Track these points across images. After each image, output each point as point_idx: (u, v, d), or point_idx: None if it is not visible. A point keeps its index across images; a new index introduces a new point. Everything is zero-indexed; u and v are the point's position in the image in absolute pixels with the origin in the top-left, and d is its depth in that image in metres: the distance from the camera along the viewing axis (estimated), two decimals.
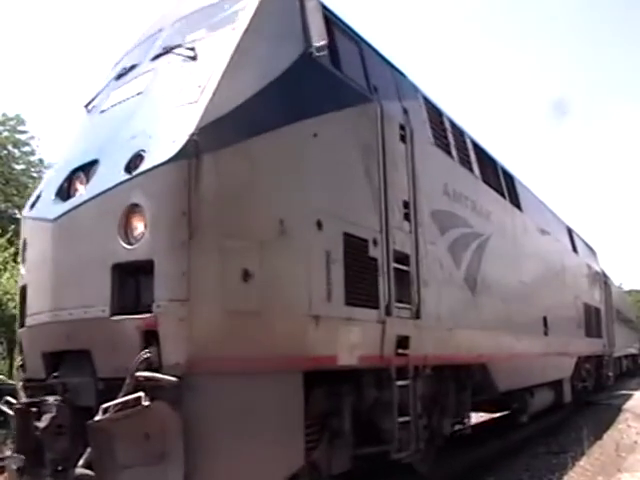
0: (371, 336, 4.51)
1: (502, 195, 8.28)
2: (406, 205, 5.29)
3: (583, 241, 15.47)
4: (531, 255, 9.23)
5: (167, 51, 4.25)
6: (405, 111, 5.55)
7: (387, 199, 4.91)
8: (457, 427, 6.78)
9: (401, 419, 4.84)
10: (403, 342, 4.95)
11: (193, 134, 3.51)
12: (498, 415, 11.06)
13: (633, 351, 25.57)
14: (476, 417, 11.64)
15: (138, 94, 4.26)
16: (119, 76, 4.78)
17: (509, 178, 8.98)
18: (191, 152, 3.46)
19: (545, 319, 9.73)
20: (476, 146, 7.59)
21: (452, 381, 6.28)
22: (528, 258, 9.03)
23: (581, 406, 13.53)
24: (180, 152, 3.46)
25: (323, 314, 3.93)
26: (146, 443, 3.09)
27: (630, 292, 45.31)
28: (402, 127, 5.43)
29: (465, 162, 7.02)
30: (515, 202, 8.86)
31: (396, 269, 4.98)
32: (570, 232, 13.65)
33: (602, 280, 16.70)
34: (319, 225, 4.02)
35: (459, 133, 7.10)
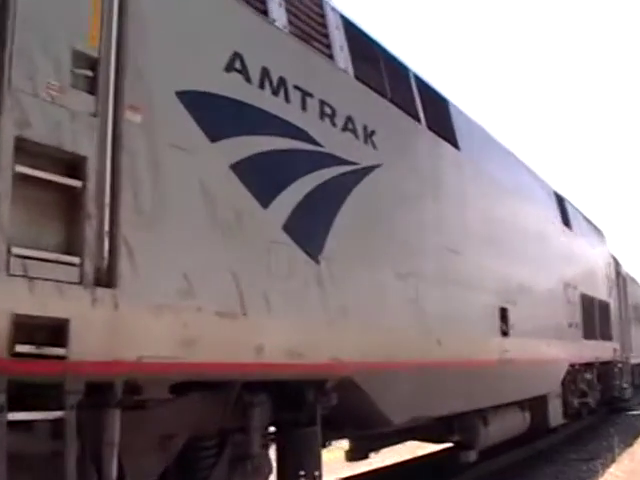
0: None
1: (413, 116, 5.83)
2: (91, 63, 2.89)
3: (583, 217, 12.87)
4: (475, 214, 6.75)
5: None
6: None
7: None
8: None
9: None
10: (55, 333, 2.56)
11: None
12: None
13: None
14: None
15: None
16: None
17: (436, 98, 6.52)
18: None
19: (504, 312, 7.25)
20: (351, 27, 5.17)
21: (261, 409, 3.85)
22: (467, 217, 6.57)
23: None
24: None
25: None
26: None
27: None
28: None
29: (313, 39, 4.60)
30: (444, 133, 6.38)
31: (30, 179, 2.58)
32: (561, 200, 11.10)
33: (613, 268, 14.07)
34: None
35: None
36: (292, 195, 4.01)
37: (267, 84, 3.98)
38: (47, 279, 2.55)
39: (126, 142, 2.96)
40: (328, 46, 4.77)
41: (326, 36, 4.78)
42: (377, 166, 4.98)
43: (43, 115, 2.64)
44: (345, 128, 4.71)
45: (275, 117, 4.00)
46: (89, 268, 2.72)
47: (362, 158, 4.82)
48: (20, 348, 2.42)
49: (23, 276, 2.48)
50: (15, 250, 2.46)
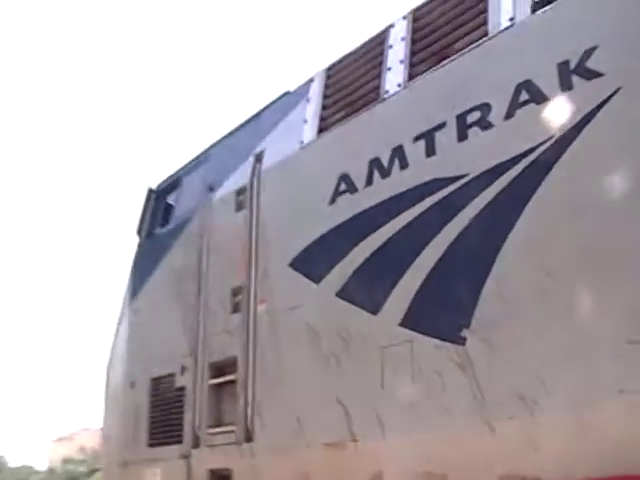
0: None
1: None
2: (239, 289, 4.70)
3: None
4: None
5: None
6: None
7: None
8: None
9: None
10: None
11: None
12: None
13: None
14: None
15: None
16: None
17: None
18: None
19: None
20: None
21: None
22: None
23: None
24: None
25: None
26: None
27: None
28: None
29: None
30: None
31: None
32: None
33: None
34: None
35: None
36: (413, 278, 3.53)
37: (375, 174, 3.98)
38: (220, 444, 4.37)
39: (258, 333, 4.39)
40: None
41: None
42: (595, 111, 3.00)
43: (218, 343, 4.68)
44: (512, 111, 3.37)
45: (387, 200, 3.84)
46: (240, 431, 4.27)
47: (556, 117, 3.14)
48: None
49: (211, 446, 4.44)
50: (208, 430, 4.50)
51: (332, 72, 4.68)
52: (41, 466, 42.06)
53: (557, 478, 2.78)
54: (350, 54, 4.60)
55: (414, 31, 4.12)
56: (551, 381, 2.83)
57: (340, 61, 4.67)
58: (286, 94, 5.12)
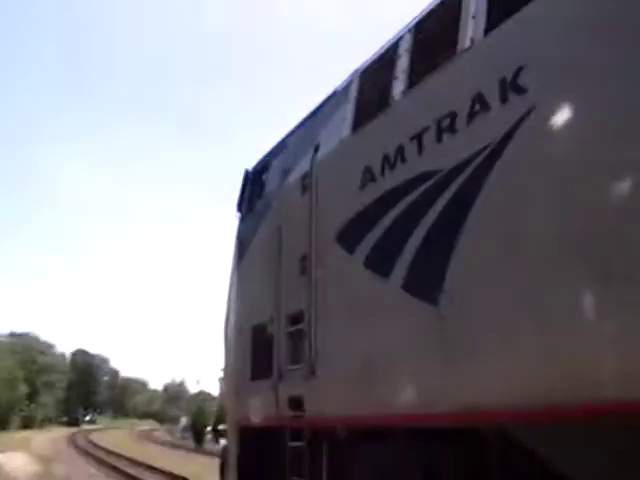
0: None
1: None
2: (305, 257, 6.02)
3: None
4: None
5: None
6: None
7: None
8: None
9: None
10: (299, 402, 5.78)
11: None
12: None
13: None
14: None
15: None
16: None
17: None
18: None
19: None
20: None
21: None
22: None
23: None
24: None
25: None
26: None
27: None
28: None
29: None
30: None
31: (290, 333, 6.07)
32: None
33: None
34: None
35: None
36: (409, 252, 4.60)
37: (386, 166, 5.04)
38: (295, 378, 5.85)
39: (317, 292, 5.72)
40: None
41: None
42: (522, 119, 3.85)
43: (292, 299, 6.09)
44: (473, 113, 4.25)
45: (394, 188, 4.90)
46: (307, 368, 5.69)
47: (498, 126, 4.01)
48: (287, 412, 5.84)
49: (289, 379, 5.92)
50: (287, 367, 5.98)
51: (364, 75, 5.70)
52: (215, 392, 48.28)
53: (496, 402, 3.81)
54: (375, 60, 5.58)
55: (414, 44, 5.02)
56: (496, 331, 3.83)
57: (369, 66, 5.66)
58: (335, 92, 6.20)
